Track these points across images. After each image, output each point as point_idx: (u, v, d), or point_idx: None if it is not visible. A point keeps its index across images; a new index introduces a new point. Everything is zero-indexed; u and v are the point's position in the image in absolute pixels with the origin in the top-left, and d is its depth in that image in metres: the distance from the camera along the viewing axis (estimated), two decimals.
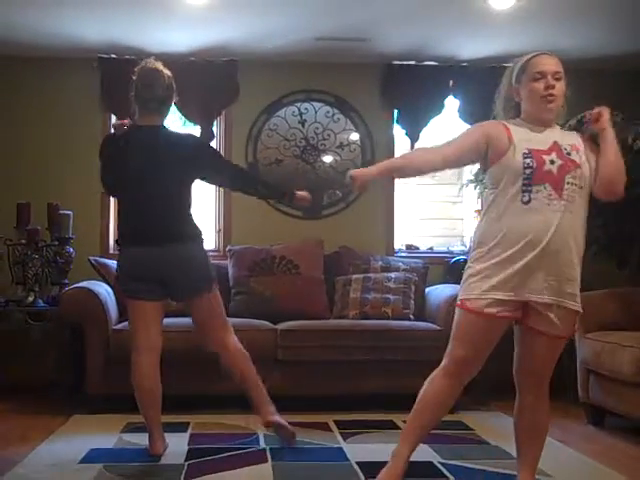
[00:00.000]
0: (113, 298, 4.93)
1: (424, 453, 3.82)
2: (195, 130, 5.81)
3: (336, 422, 4.47)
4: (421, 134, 5.95)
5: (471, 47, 5.62)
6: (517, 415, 3.01)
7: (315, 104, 6.01)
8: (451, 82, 5.91)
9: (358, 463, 3.61)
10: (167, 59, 5.58)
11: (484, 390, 4.99)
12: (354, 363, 4.82)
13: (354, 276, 5.38)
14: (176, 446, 3.84)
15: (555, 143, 2.84)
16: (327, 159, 6.02)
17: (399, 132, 6.03)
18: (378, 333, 4.88)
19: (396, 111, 6.01)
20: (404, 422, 4.48)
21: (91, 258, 5.17)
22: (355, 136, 6.05)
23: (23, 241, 5.24)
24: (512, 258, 2.77)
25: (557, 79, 2.89)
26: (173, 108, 5.73)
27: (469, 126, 5.87)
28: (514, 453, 3.33)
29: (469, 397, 4.85)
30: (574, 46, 5.51)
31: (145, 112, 3.75)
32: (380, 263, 5.51)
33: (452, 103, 5.96)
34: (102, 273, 5.09)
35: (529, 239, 2.75)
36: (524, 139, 2.84)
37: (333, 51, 5.67)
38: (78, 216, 5.41)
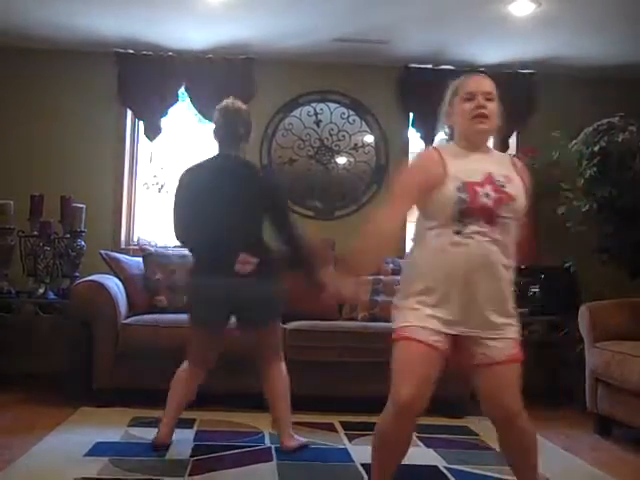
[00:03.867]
0: (123, 292, 4.94)
1: (429, 457, 3.83)
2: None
3: (342, 423, 4.48)
4: (436, 138, 5.94)
5: (489, 52, 5.61)
6: (502, 447, 2.86)
7: (331, 105, 6.01)
8: None
9: (363, 465, 3.60)
10: (185, 55, 5.68)
11: None
12: (362, 365, 4.82)
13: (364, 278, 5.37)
14: (182, 442, 3.85)
15: (489, 175, 2.71)
16: (341, 160, 6.02)
17: (414, 135, 6.02)
18: (386, 336, 4.84)
19: (412, 114, 6.00)
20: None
21: (102, 252, 5.19)
22: (370, 138, 6.04)
23: (35, 233, 5.26)
24: (443, 293, 2.69)
25: (489, 99, 2.78)
26: (189, 104, 5.80)
27: None
28: None
29: (476, 402, 4.85)
30: (593, 54, 5.49)
31: (225, 147, 3.87)
32: (391, 265, 5.50)
33: None
34: (113, 267, 5.11)
35: (462, 273, 2.66)
36: (458, 170, 2.71)
37: (351, 52, 5.66)
38: (91, 210, 5.43)
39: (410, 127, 6.03)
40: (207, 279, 3.72)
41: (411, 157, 6.05)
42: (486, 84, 2.82)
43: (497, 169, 2.76)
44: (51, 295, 5.21)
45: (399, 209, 2.81)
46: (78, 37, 5.47)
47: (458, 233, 2.68)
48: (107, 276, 5.00)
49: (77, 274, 5.26)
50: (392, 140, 6.04)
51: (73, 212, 5.31)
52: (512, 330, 2.74)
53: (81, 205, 5.34)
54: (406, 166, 2.97)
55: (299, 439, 3.87)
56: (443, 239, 2.70)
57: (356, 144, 6.04)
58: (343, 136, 6.02)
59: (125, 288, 4.98)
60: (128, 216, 5.90)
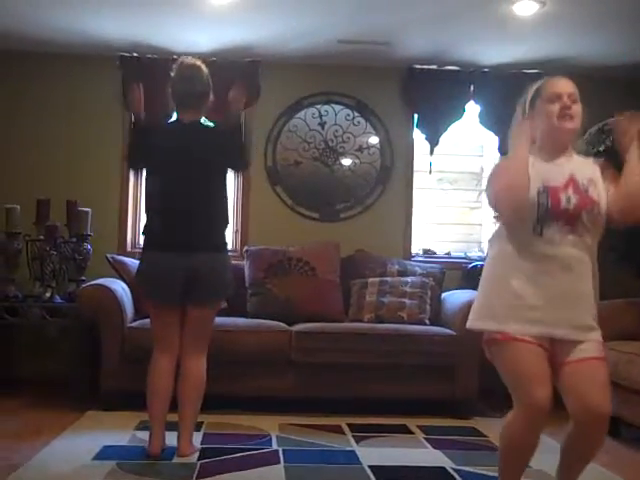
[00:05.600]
0: (129, 296, 4.94)
1: (437, 459, 3.82)
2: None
3: (349, 425, 4.47)
4: (441, 139, 5.93)
5: (493, 52, 5.60)
6: (572, 445, 2.85)
7: (335, 106, 6.01)
8: (472, 87, 5.88)
9: (370, 467, 3.60)
10: None
11: (500, 397, 4.97)
12: (368, 366, 4.81)
13: (370, 279, 5.37)
14: None
15: (571, 177, 2.76)
16: (346, 162, 6.02)
17: (419, 136, 6.01)
18: (393, 337, 4.87)
19: (416, 115, 5.99)
20: (417, 427, 4.50)
21: (108, 255, 5.20)
22: (374, 140, 6.04)
23: (42, 237, 5.27)
24: (529, 294, 2.72)
25: (573, 101, 2.83)
26: None
27: (489, 132, 5.91)
28: None
29: (485, 404, 4.85)
30: (597, 53, 5.48)
31: (183, 107, 3.78)
32: (397, 267, 5.50)
33: (473, 108, 5.94)
34: (119, 270, 5.11)
35: (542, 272, 2.71)
36: (540, 172, 2.75)
37: (355, 54, 5.66)
38: (96, 213, 5.44)
39: (415, 128, 6.02)
40: (160, 254, 3.67)
41: (416, 158, 6.06)
42: (570, 86, 2.86)
43: (580, 172, 2.79)
44: (58, 299, 5.22)
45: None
46: (83, 41, 5.47)
47: (538, 235, 2.71)
48: (113, 280, 5.00)
49: (83, 278, 5.26)
50: (397, 141, 6.03)
51: (79, 216, 5.32)
52: (597, 333, 2.77)
53: (87, 209, 5.35)
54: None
55: (195, 446, 3.81)
56: (523, 241, 2.74)
57: (361, 145, 6.03)
58: (348, 138, 6.01)
59: (131, 291, 4.98)
60: (134, 219, 5.90)
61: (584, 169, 2.82)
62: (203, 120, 3.90)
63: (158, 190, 3.74)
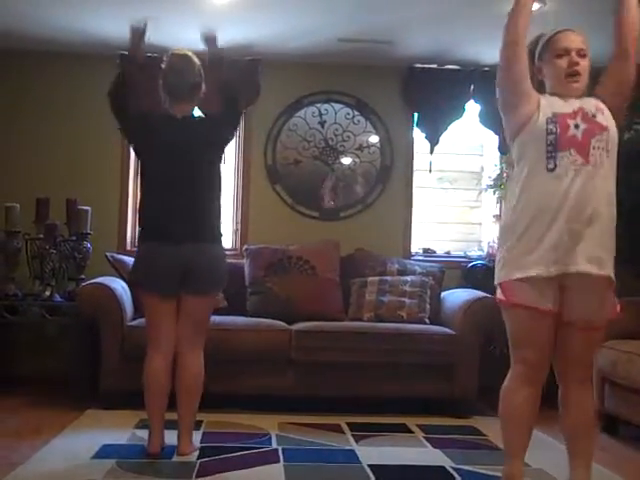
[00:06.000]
0: (129, 294, 4.94)
1: (436, 458, 3.82)
2: None
3: (348, 424, 4.47)
4: (441, 138, 5.93)
5: (493, 52, 5.53)
6: (562, 409, 2.95)
7: (335, 105, 6.01)
8: (472, 86, 5.88)
9: (370, 466, 3.60)
10: None
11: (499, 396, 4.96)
12: (368, 365, 4.81)
13: (370, 278, 5.37)
14: None
15: (580, 107, 2.80)
16: (346, 161, 6.01)
17: (419, 135, 6.01)
18: (392, 336, 4.87)
19: (416, 114, 5.99)
20: (417, 426, 4.50)
21: (108, 254, 5.20)
22: (374, 138, 6.04)
23: (41, 236, 5.26)
24: (543, 232, 2.72)
25: (582, 56, 2.85)
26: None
27: (489, 131, 5.90)
28: (525, 460, 3.30)
29: (484, 403, 4.85)
30: (597, 53, 5.47)
31: (175, 99, 3.74)
32: (396, 266, 5.49)
33: (473, 107, 5.94)
34: (119, 269, 5.11)
35: (558, 209, 2.71)
36: (551, 103, 2.80)
37: (355, 53, 5.66)
38: (96, 212, 5.43)
39: (415, 127, 6.02)
40: (158, 245, 3.66)
41: (416, 157, 6.06)
42: (579, 40, 2.89)
43: (588, 104, 2.83)
44: (57, 298, 5.22)
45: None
46: (83, 39, 5.47)
47: (551, 169, 2.72)
48: (113, 278, 5.00)
49: (83, 276, 5.26)
50: (397, 140, 6.03)
51: (79, 214, 5.32)
52: (610, 268, 2.80)
53: (86, 208, 5.35)
54: None
55: (195, 444, 3.79)
56: (537, 175, 2.75)
57: (361, 144, 6.03)
58: (348, 136, 6.01)
59: (130, 290, 4.98)
60: (134, 218, 5.89)
61: (591, 102, 2.86)
62: (196, 112, 3.86)
63: (154, 184, 3.74)
